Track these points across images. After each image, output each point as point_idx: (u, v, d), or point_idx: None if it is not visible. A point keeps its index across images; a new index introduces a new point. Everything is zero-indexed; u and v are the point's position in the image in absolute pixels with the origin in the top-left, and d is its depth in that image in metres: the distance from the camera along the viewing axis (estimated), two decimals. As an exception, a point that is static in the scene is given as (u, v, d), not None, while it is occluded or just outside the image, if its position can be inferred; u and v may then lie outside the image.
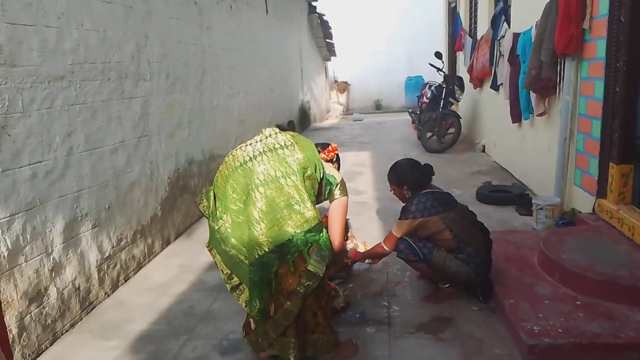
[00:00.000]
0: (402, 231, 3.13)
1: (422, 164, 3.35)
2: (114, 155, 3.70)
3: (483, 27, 7.97)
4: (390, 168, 3.40)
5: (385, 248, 3.21)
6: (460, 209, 3.21)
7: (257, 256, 2.40)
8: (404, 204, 3.25)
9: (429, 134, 8.59)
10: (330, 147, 3.17)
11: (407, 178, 3.27)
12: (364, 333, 2.95)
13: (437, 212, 3.07)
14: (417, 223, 3.07)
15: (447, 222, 3.07)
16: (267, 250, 2.39)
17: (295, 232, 2.40)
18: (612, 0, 3.66)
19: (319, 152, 3.08)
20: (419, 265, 3.22)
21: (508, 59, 5.86)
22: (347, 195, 2.77)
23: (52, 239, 3.06)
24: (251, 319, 2.62)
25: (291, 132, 2.72)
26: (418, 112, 9.86)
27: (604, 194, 3.87)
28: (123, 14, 3.84)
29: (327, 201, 2.81)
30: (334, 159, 3.18)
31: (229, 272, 2.57)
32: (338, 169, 3.15)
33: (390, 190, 3.43)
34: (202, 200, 2.72)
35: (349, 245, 3.84)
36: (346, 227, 3.51)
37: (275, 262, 2.42)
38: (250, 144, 2.63)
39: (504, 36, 6.29)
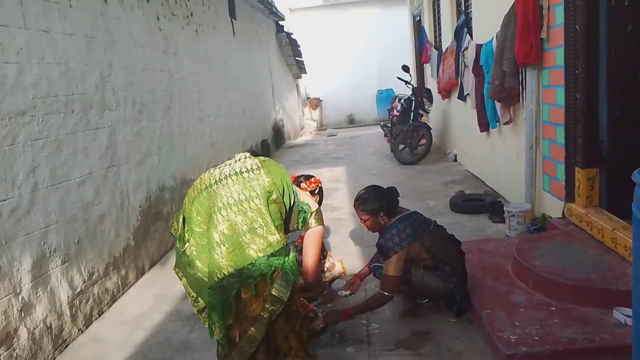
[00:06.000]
0: (397, 268, 2.95)
1: (385, 187, 3.28)
2: (81, 187, 3.63)
3: (447, 39, 8.12)
4: (358, 200, 3.22)
5: (387, 294, 3.00)
6: (434, 228, 3.18)
7: (216, 279, 2.37)
8: (379, 236, 3.13)
9: (401, 146, 8.67)
10: (313, 179, 3.21)
11: (381, 204, 3.13)
12: (344, 353, 2.93)
13: (418, 237, 3.03)
14: (404, 253, 2.98)
15: (426, 245, 3.06)
16: (226, 274, 2.36)
17: (258, 256, 2.38)
18: (567, 10, 3.77)
19: (301, 182, 3.10)
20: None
21: (472, 70, 5.97)
22: (322, 224, 2.76)
23: (20, 278, 2.98)
24: (219, 346, 2.58)
25: (262, 157, 2.72)
26: (389, 125, 9.96)
27: (572, 198, 3.95)
28: (85, 45, 3.81)
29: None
30: (316, 191, 3.19)
31: (195, 295, 2.54)
32: (320, 202, 3.16)
33: (362, 223, 3.25)
34: (173, 223, 2.71)
35: (326, 264, 3.84)
36: (322, 246, 3.51)
37: (235, 286, 2.38)
38: (218, 168, 2.63)
39: (467, 48, 6.41)
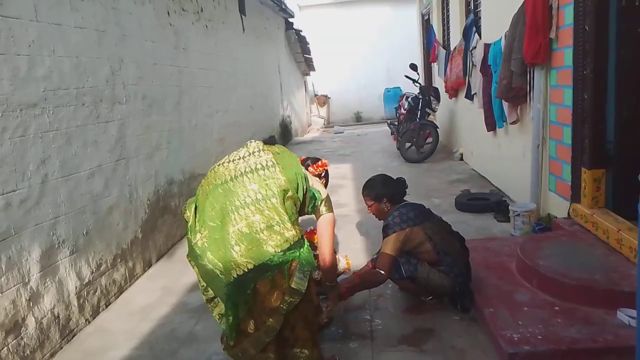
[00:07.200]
0: (394, 247, 3.02)
1: (395, 177, 3.42)
2: (90, 180, 3.67)
3: (456, 38, 8.11)
4: (365, 185, 3.42)
5: (382, 272, 3.02)
6: (437, 220, 3.26)
7: (235, 276, 2.40)
8: (383, 222, 3.22)
9: (407, 145, 8.67)
10: (320, 163, 3.28)
11: (385, 191, 3.30)
12: (347, 348, 2.95)
13: (419, 221, 3.12)
14: (404, 235, 3.04)
15: (428, 232, 3.10)
16: (245, 270, 2.40)
17: (275, 251, 2.42)
18: (577, 10, 3.76)
19: (309, 165, 3.14)
20: (402, 282, 3.24)
21: (480, 69, 5.97)
22: (332, 211, 2.82)
23: (29, 268, 3.02)
24: (226, 337, 2.61)
25: (276, 149, 2.72)
26: (396, 123, 9.96)
27: (578, 199, 3.95)
28: (96, 39, 3.84)
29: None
30: (322, 174, 3.24)
31: (205, 284, 2.57)
32: (325, 185, 3.20)
33: (368, 209, 3.42)
34: (186, 210, 2.72)
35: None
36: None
37: (252, 281, 2.43)
38: (232, 161, 2.62)
39: (475, 47, 6.41)
